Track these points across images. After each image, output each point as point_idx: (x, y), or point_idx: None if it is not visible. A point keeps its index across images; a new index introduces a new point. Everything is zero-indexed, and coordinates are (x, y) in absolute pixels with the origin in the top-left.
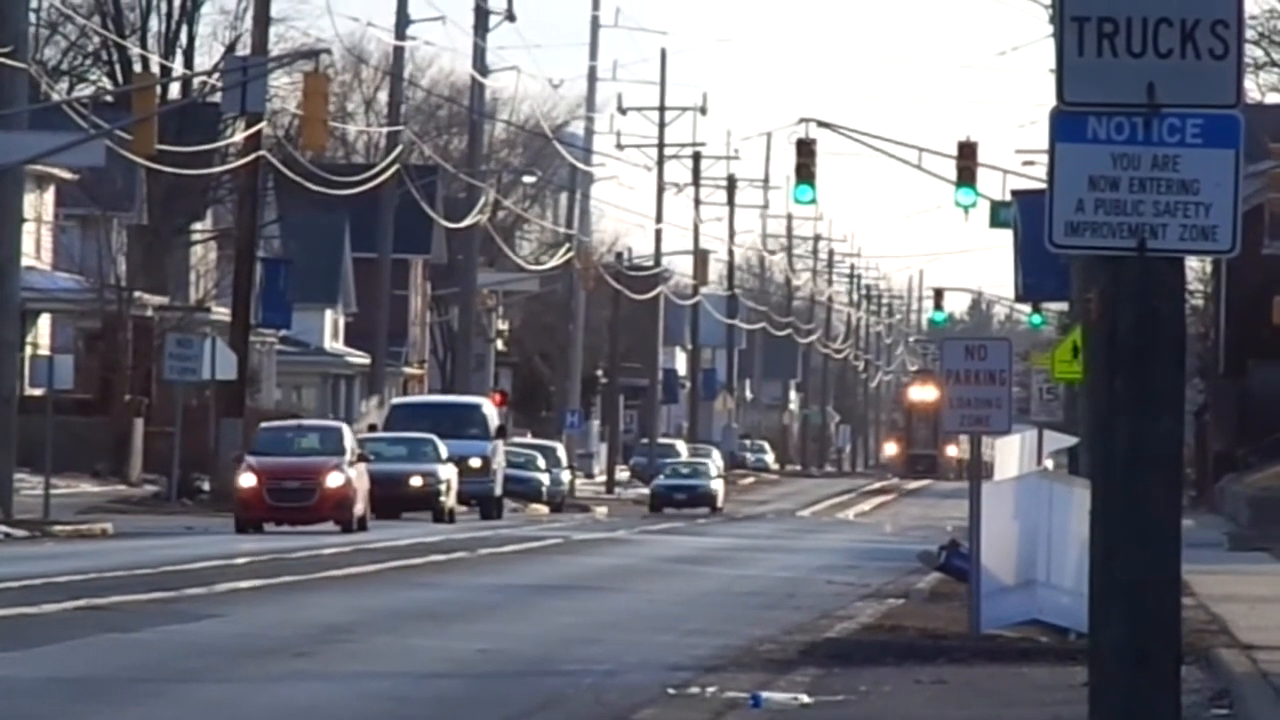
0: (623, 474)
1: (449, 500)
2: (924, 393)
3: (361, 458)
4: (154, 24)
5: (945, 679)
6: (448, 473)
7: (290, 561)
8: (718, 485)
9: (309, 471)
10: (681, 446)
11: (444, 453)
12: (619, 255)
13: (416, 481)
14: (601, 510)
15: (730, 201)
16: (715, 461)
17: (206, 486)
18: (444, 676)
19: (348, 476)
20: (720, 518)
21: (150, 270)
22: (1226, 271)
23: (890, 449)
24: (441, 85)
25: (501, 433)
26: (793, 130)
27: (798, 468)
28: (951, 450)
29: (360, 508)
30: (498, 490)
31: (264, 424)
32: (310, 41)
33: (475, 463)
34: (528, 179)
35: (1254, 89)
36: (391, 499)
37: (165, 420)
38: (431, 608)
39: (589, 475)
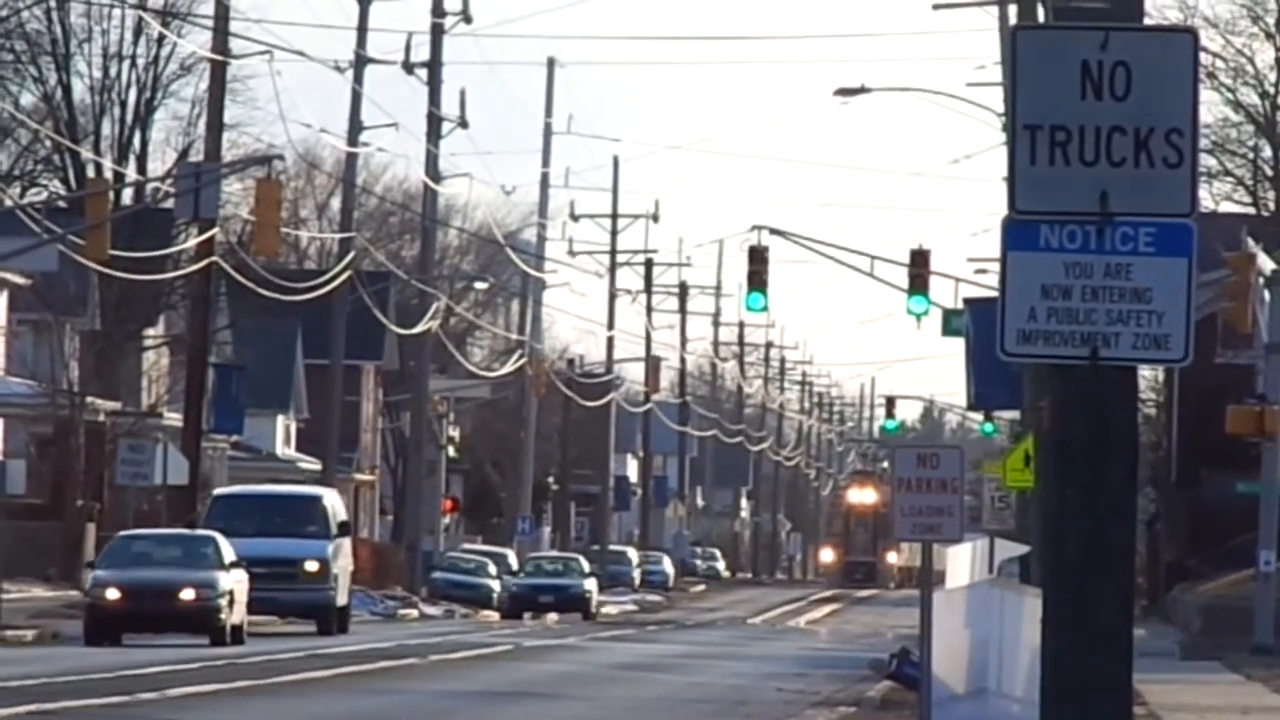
0: None
1: (231, 617)
2: (863, 495)
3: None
4: (107, 129)
5: None
6: (230, 582)
7: (244, 666)
8: (591, 586)
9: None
10: (633, 553)
11: (228, 556)
12: (571, 362)
13: (187, 595)
14: (552, 617)
15: (682, 308)
16: (585, 562)
17: None
18: None
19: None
20: (590, 625)
21: (103, 375)
22: (1179, 380)
23: (827, 556)
24: (394, 191)
25: (345, 530)
26: (745, 237)
27: (749, 575)
28: (892, 557)
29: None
30: (341, 599)
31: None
32: (263, 147)
33: (311, 566)
34: (480, 285)
35: (1207, 198)
36: (154, 615)
37: (117, 525)
38: (384, 714)
39: None
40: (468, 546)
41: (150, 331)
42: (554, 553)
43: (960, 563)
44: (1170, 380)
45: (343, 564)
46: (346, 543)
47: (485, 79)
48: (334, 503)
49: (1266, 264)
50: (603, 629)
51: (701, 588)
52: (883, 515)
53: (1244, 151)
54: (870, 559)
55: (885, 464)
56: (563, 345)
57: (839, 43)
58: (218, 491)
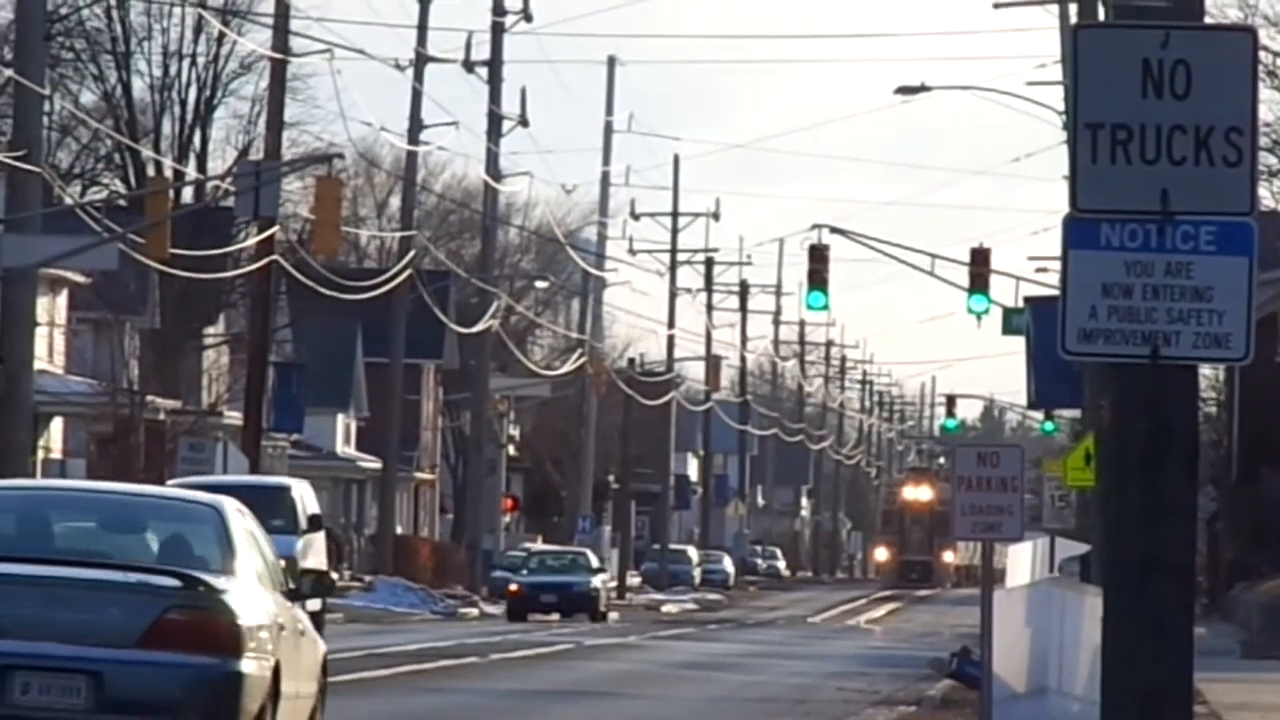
0: (634, 580)
1: None
2: (918, 492)
3: None
4: (167, 128)
5: None
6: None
7: None
8: (599, 583)
9: None
10: (693, 552)
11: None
12: (631, 361)
13: None
14: (613, 616)
15: (743, 307)
16: (594, 557)
17: None
18: None
19: None
20: (605, 626)
21: (163, 374)
22: (1240, 379)
23: (881, 554)
24: (454, 190)
25: (317, 524)
26: (806, 236)
27: (809, 574)
28: (949, 556)
29: None
30: (313, 603)
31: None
32: (323, 146)
33: None
34: (540, 284)
35: (1267, 196)
36: None
37: None
38: (443, 714)
39: None
40: (528, 546)
41: (210, 330)
42: (559, 546)
43: (1021, 561)
44: (1231, 379)
45: (314, 562)
46: (319, 538)
47: (546, 77)
48: (304, 494)
49: None
50: (663, 627)
51: (752, 589)
52: (939, 513)
53: None
54: (926, 558)
55: (942, 459)
56: (623, 344)
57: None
58: (173, 482)
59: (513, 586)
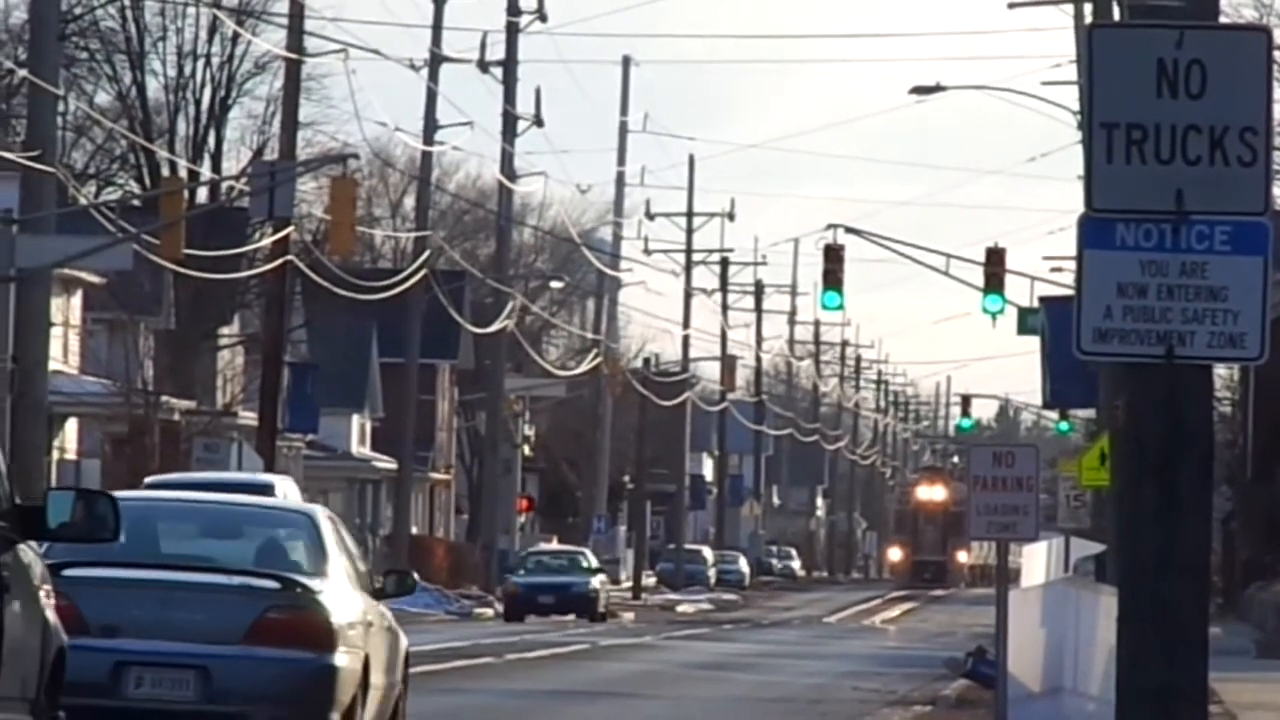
0: (650, 580)
1: None
2: (932, 492)
3: None
4: (182, 128)
5: None
6: None
7: None
8: (598, 584)
9: None
10: (708, 552)
11: None
12: (646, 361)
13: None
14: (628, 616)
15: (758, 307)
16: (593, 556)
17: None
18: None
19: None
20: (604, 627)
21: (177, 374)
22: (1255, 378)
23: (894, 555)
24: (469, 190)
25: None
26: (820, 236)
27: (824, 574)
28: (962, 556)
29: None
30: None
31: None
32: (338, 146)
33: None
34: (555, 284)
35: None
36: None
37: None
38: (460, 714)
39: (615, 581)
40: (543, 546)
41: (225, 330)
42: (558, 546)
43: (1036, 561)
44: (1246, 378)
45: None
46: None
47: (561, 77)
48: (289, 491)
49: None
50: (678, 627)
51: (767, 589)
52: (953, 513)
53: None
54: (940, 558)
55: (956, 459)
56: (638, 344)
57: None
58: (149, 480)
59: (509, 587)
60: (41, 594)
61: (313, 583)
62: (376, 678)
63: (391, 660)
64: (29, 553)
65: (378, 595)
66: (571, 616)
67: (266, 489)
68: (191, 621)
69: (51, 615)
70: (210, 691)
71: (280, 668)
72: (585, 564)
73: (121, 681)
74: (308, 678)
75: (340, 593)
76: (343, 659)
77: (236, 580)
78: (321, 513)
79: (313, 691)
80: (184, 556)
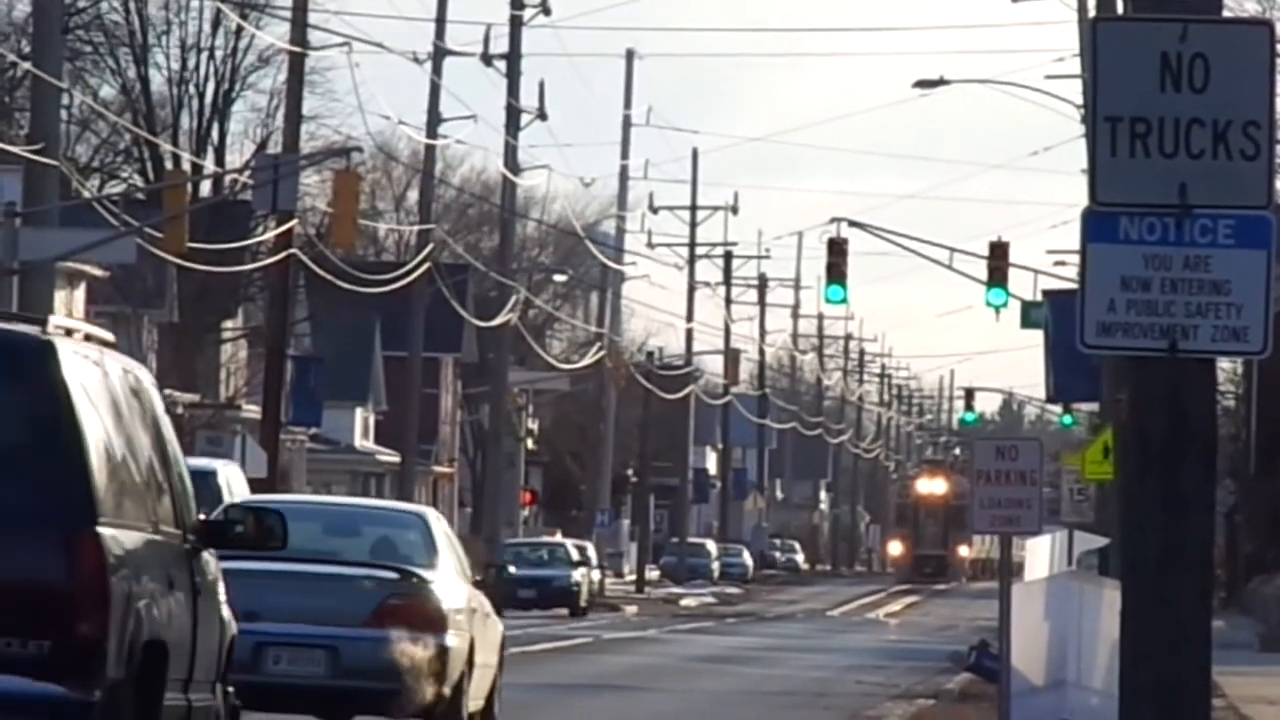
0: (653, 573)
1: None
2: (933, 485)
3: None
4: (185, 121)
5: None
6: None
7: None
8: (580, 577)
9: None
10: (712, 545)
11: None
12: (650, 354)
13: None
14: (631, 609)
15: (761, 301)
16: (574, 548)
17: None
18: None
19: None
20: (588, 622)
21: (181, 368)
22: (1258, 372)
23: (895, 549)
24: (473, 183)
25: None
26: (824, 230)
27: (828, 568)
28: (963, 551)
29: None
30: None
31: None
32: (341, 139)
33: None
34: (559, 278)
35: None
36: None
37: None
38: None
39: (619, 574)
40: (523, 538)
41: (228, 324)
42: (538, 539)
43: (1039, 555)
44: (1249, 372)
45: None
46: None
47: (564, 71)
48: (232, 477)
49: None
50: (682, 621)
51: (770, 582)
52: (954, 506)
53: None
54: (940, 552)
55: (957, 451)
56: (642, 337)
57: (919, 35)
58: None
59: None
60: (220, 592)
61: (426, 574)
62: (480, 657)
63: (491, 642)
64: (212, 559)
65: (479, 586)
66: (565, 610)
67: (207, 476)
68: (322, 607)
69: (226, 610)
70: (338, 668)
71: (399, 647)
72: (566, 556)
73: (262, 660)
74: (424, 656)
75: (449, 583)
76: (452, 640)
77: (361, 572)
78: (432, 514)
79: (428, 668)
80: (314, 551)
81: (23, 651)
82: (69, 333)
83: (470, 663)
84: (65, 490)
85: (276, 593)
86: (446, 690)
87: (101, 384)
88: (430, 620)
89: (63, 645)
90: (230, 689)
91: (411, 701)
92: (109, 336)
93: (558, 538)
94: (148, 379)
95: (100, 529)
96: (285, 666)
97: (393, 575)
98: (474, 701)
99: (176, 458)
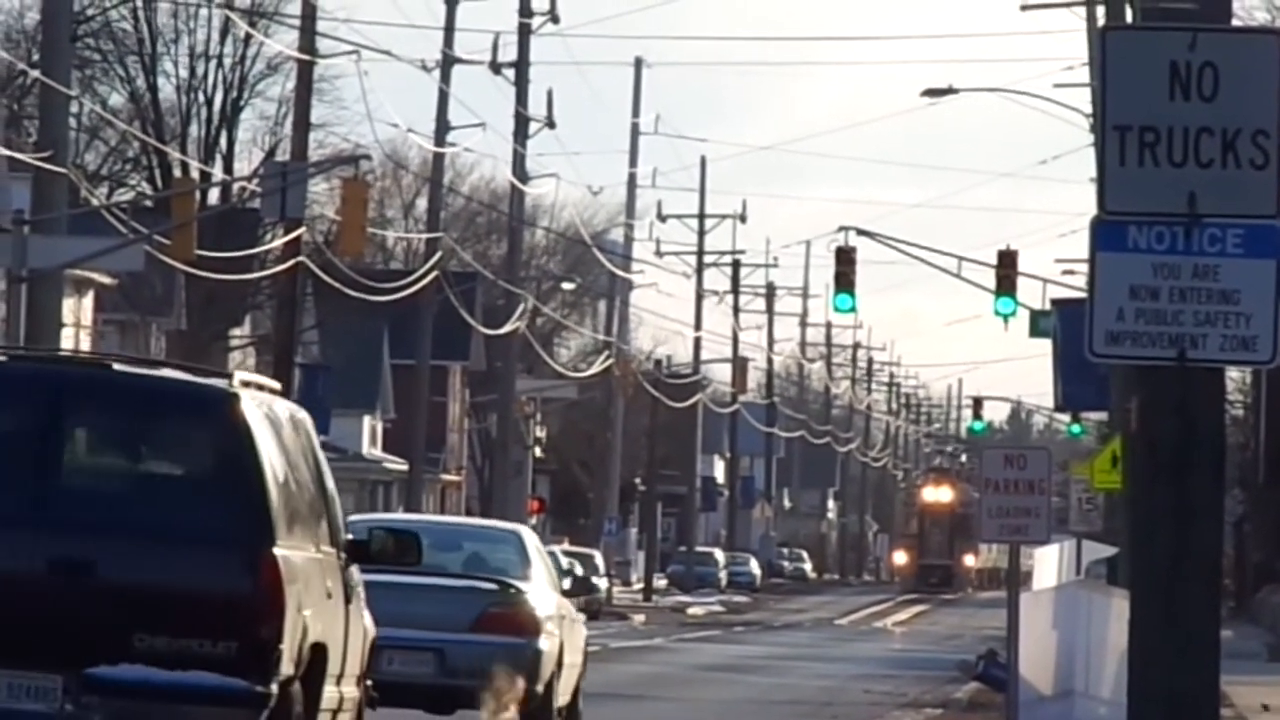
0: (660, 582)
1: None
2: (939, 494)
3: None
4: (194, 129)
5: None
6: None
7: None
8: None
9: None
10: (719, 554)
11: None
12: (658, 363)
13: None
14: (639, 618)
15: (769, 309)
16: (588, 556)
17: None
18: None
19: None
20: (600, 628)
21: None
22: (1267, 381)
23: (900, 558)
24: (481, 192)
25: None
26: (832, 238)
27: (835, 577)
28: (969, 560)
29: None
30: None
31: None
32: (350, 147)
33: None
34: (567, 286)
35: None
36: None
37: None
38: (472, 715)
39: (626, 583)
40: (554, 549)
41: (236, 331)
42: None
43: (1047, 564)
44: (1258, 381)
45: None
46: None
47: (573, 79)
48: None
49: None
50: (689, 630)
51: (778, 591)
52: (960, 515)
53: None
54: (946, 562)
55: (964, 458)
56: (650, 346)
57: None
58: None
59: None
60: (363, 601)
61: (521, 585)
62: (567, 658)
63: (576, 645)
64: (357, 572)
65: (566, 595)
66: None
67: None
68: (430, 614)
69: (368, 616)
70: (445, 669)
71: (499, 650)
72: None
73: (377, 661)
74: (519, 658)
75: (541, 592)
76: (544, 643)
77: (465, 583)
78: (526, 532)
79: (524, 668)
80: (423, 565)
81: (213, 651)
82: (246, 384)
83: (559, 663)
84: (249, 516)
85: (390, 601)
86: (539, 688)
87: (273, 426)
88: (525, 626)
89: (246, 646)
90: (369, 683)
91: (508, 698)
92: (276, 385)
93: (566, 544)
94: (306, 419)
95: (277, 549)
96: (398, 667)
97: (492, 586)
98: (562, 697)
99: (330, 486)
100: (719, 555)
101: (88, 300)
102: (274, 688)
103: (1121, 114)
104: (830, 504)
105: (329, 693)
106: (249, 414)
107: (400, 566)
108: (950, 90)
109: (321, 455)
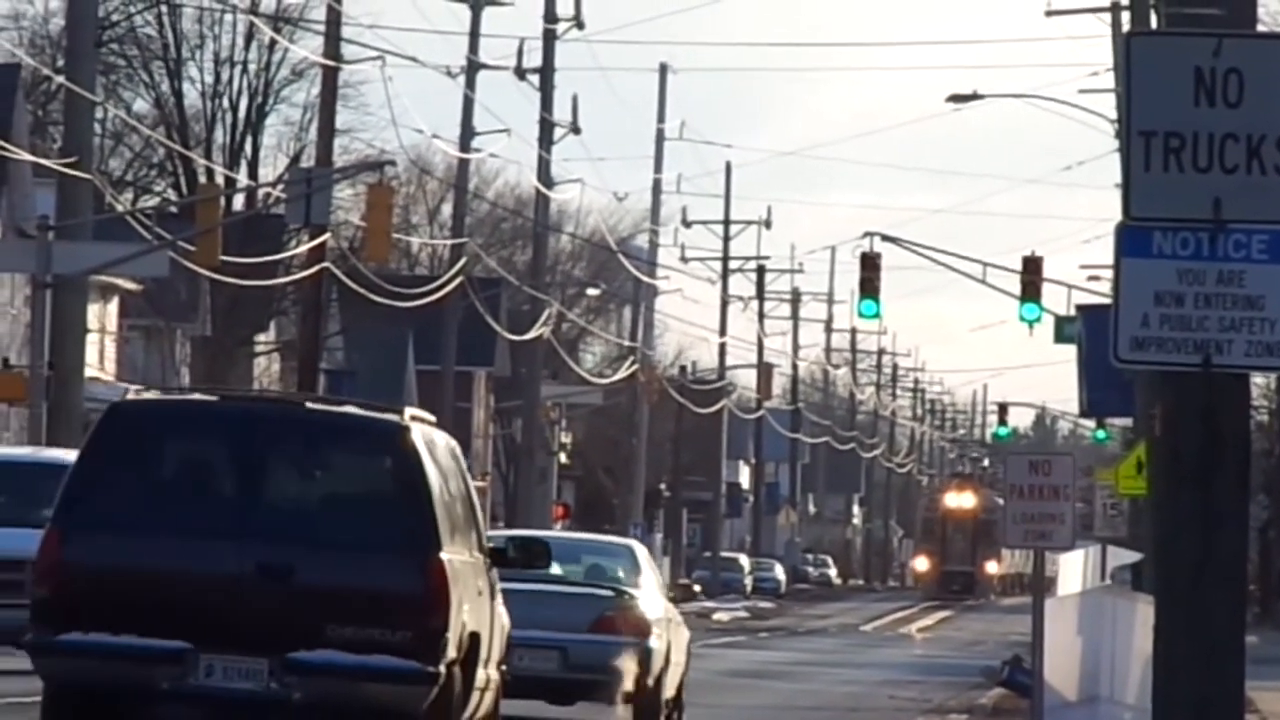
0: (696, 588)
1: None
2: (961, 500)
3: None
4: (219, 135)
5: None
6: None
7: None
8: None
9: None
10: (745, 560)
11: None
12: (683, 369)
13: None
14: None
15: (794, 315)
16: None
17: None
18: None
19: None
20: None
21: (213, 381)
22: None
23: (921, 565)
24: (506, 197)
25: None
26: (857, 244)
27: (860, 582)
28: (992, 567)
29: None
30: None
31: None
32: (374, 153)
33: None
34: (592, 291)
35: None
36: None
37: None
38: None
39: None
40: None
41: (261, 337)
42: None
43: (1072, 570)
44: None
45: None
46: None
47: (598, 85)
48: None
49: None
50: (715, 635)
51: (803, 597)
52: (982, 521)
53: None
54: (968, 568)
55: (986, 463)
56: (675, 352)
57: (952, 49)
58: None
59: None
60: (500, 598)
61: (634, 591)
62: (674, 657)
63: (681, 645)
64: (495, 574)
65: (672, 600)
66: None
67: (60, 472)
68: (554, 617)
69: (504, 611)
70: (568, 665)
71: (615, 649)
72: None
73: (507, 657)
74: (634, 656)
75: (651, 599)
76: (655, 643)
77: (584, 589)
78: (637, 545)
79: (637, 665)
80: (547, 574)
81: (392, 638)
82: (415, 418)
83: (667, 660)
84: (420, 528)
85: (520, 606)
86: (649, 682)
87: (435, 453)
88: (638, 628)
89: (418, 634)
90: (504, 667)
91: (623, 691)
92: (432, 418)
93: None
94: (456, 446)
95: (443, 554)
96: (526, 663)
97: (609, 593)
98: (668, 691)
99: (475, 501)
100: (744, 561)
101: (112, 306)
102: (441, 669)
103: (1146, 120)
104: (855, 510)
105: (480, 674)
106: (418, 443)
107: (531, 570)
108: (975, 96)
109: (468, 474)
